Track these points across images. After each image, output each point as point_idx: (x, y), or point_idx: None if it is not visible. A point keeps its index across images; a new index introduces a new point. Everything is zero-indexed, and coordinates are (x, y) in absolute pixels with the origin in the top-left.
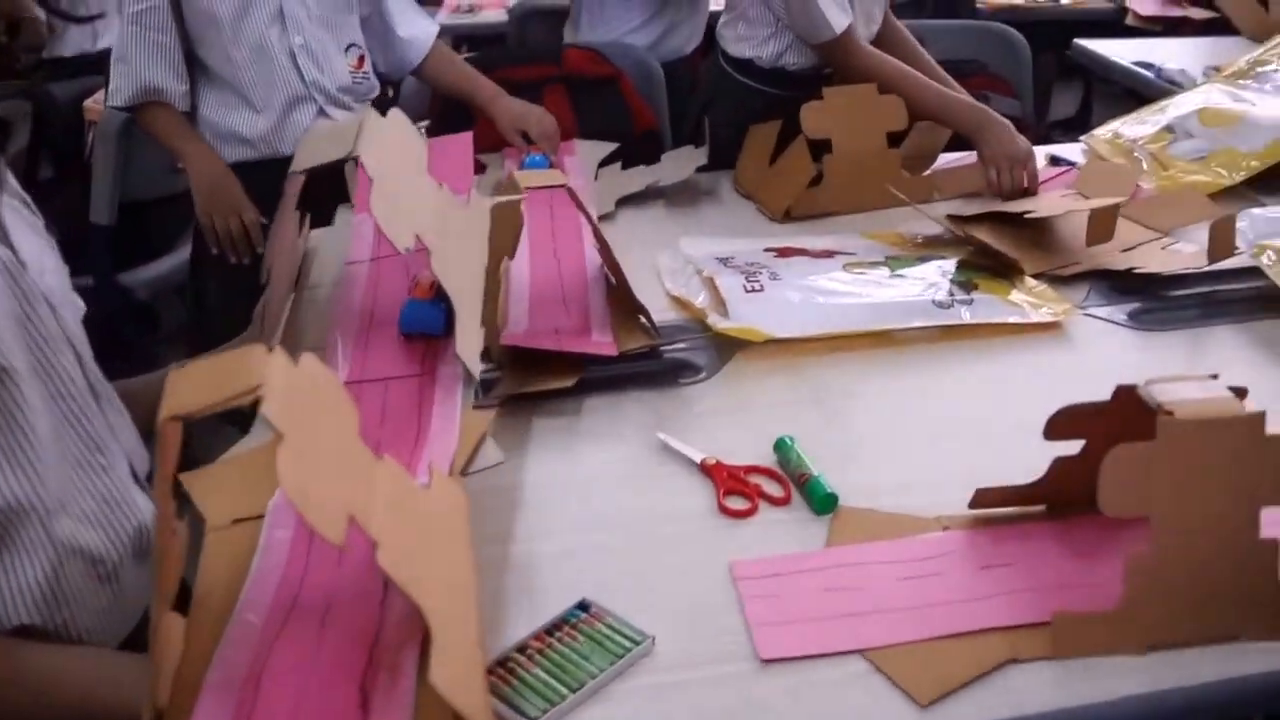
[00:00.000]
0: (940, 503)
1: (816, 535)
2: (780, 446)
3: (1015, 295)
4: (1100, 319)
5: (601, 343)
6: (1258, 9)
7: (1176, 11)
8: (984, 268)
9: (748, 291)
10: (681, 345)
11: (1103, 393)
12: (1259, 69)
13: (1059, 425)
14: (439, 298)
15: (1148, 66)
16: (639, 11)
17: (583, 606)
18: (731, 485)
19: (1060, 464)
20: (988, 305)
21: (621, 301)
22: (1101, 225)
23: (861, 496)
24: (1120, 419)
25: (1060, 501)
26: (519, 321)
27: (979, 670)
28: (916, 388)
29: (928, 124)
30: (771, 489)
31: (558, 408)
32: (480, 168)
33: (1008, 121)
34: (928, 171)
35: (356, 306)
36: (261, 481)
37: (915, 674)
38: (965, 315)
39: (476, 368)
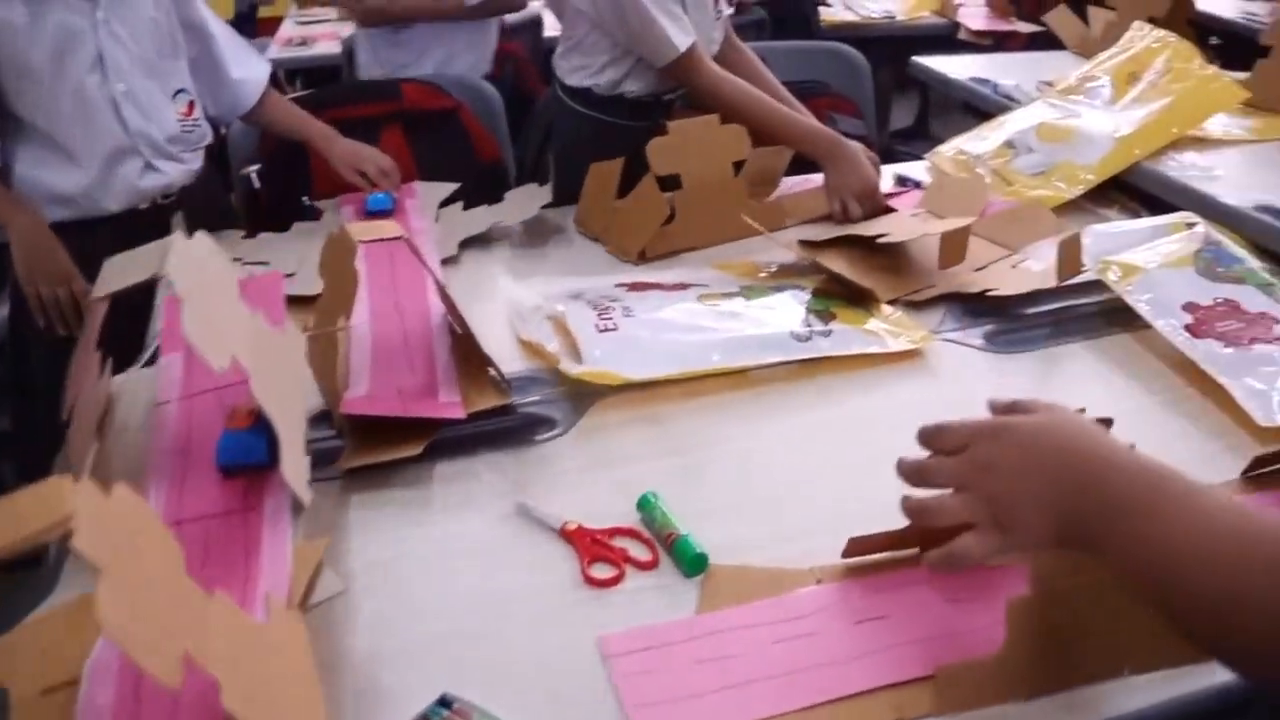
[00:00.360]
0: (814, 550)
1: (688, 599)
2: (644, 505)
3: (873, 324)
4: (957, 343)
5: (448, 404)
6: (1080, 25)
7: (1005, 26)
8: (840, 295)
9: (600, 331)
10: (535, 398)
11: (963, 417)
12: (1088, 84)
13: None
14: (258, 426)
15: (983, 82)
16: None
17: (444, 703)
18: (595, 552)
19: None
20: (846, 336)
21: (469, 354)
22: (953, 248)
23: (733, 552)
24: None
25: (933, 543)
26: (360, 383)
27: None
28: (779, 429)
29: (767, 148)
30: (638, 552)
31: (406, 477)
32: (316, 214)
33: (858, 147)
34: (773, 196)
35: (169, 446)
36: (72, 642)
37: None
38: (824, 347)
39: (306, 494)
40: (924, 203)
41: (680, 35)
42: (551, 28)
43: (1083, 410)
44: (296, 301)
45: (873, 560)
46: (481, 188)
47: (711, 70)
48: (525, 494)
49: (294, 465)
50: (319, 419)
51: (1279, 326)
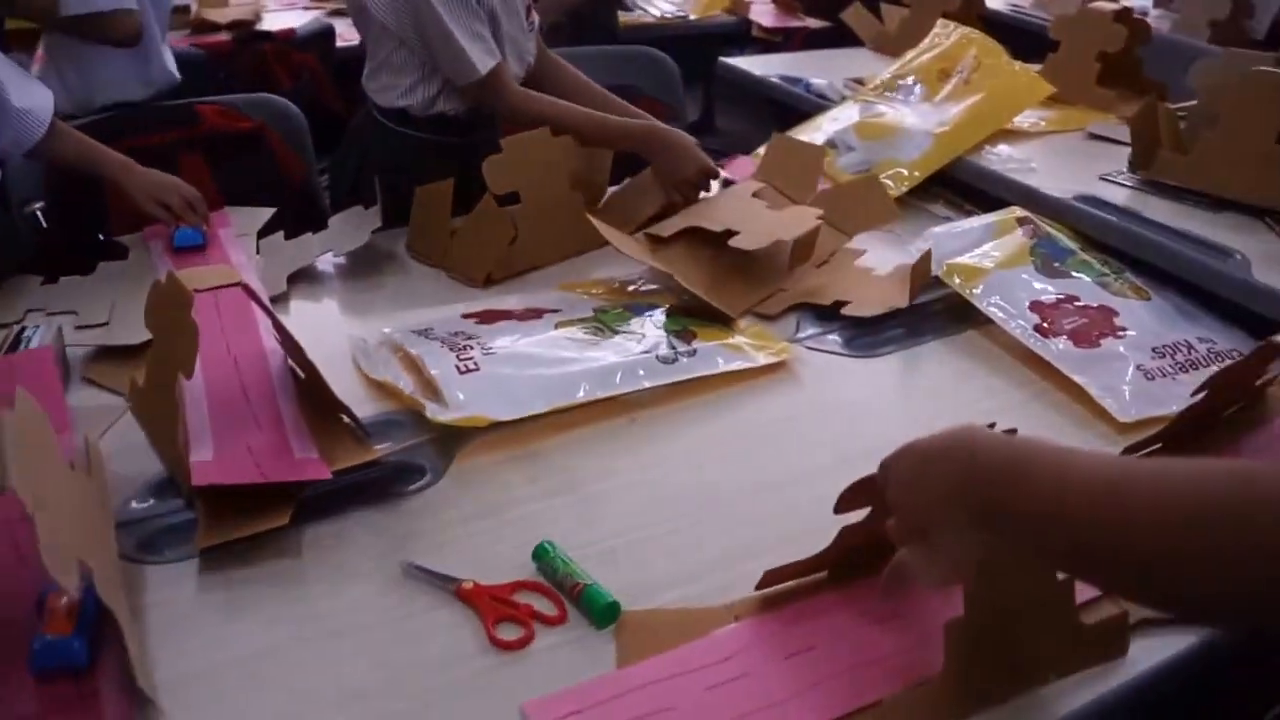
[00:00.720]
0: (725, 583)
1: (604, 652)
2: (541, 555)
3: (735, 338)
4: (817, 349)
5: (308, 462)
6: (875, 22)
7: (795, 22)
8: (694, 311)
9: (462, 373)
10: (397, 444)
11: (839, 425)
12: (900, 82)
13: (847, 501)
14: (80, 628)
15: (795, 81)
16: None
17: None
18: (498, 611)
19: (847, 532)
20: (710, 354)
21: (317, 400)
22: (804, 249)
23: (642, 592)
24: None
25: (845, 566)
26: (202, 446)
27: None
28: (661, 454)
29: (584, 151)
30: (543, 606)
31: (272, 548)
32: (122, 252)
33: (678, 132)
34: (603, 201)
35: None
36: None
37: None
38: (691, 367)
39: (154, 690)
40: (760, 173)
41: (482, 57)
42: (343, 38)
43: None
44: (114, 353)
45: (785, 588)
46: (297, 213)
47: (515, 92)
48: (409, 553)
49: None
50: (162, 487)
51: (1118, 318)
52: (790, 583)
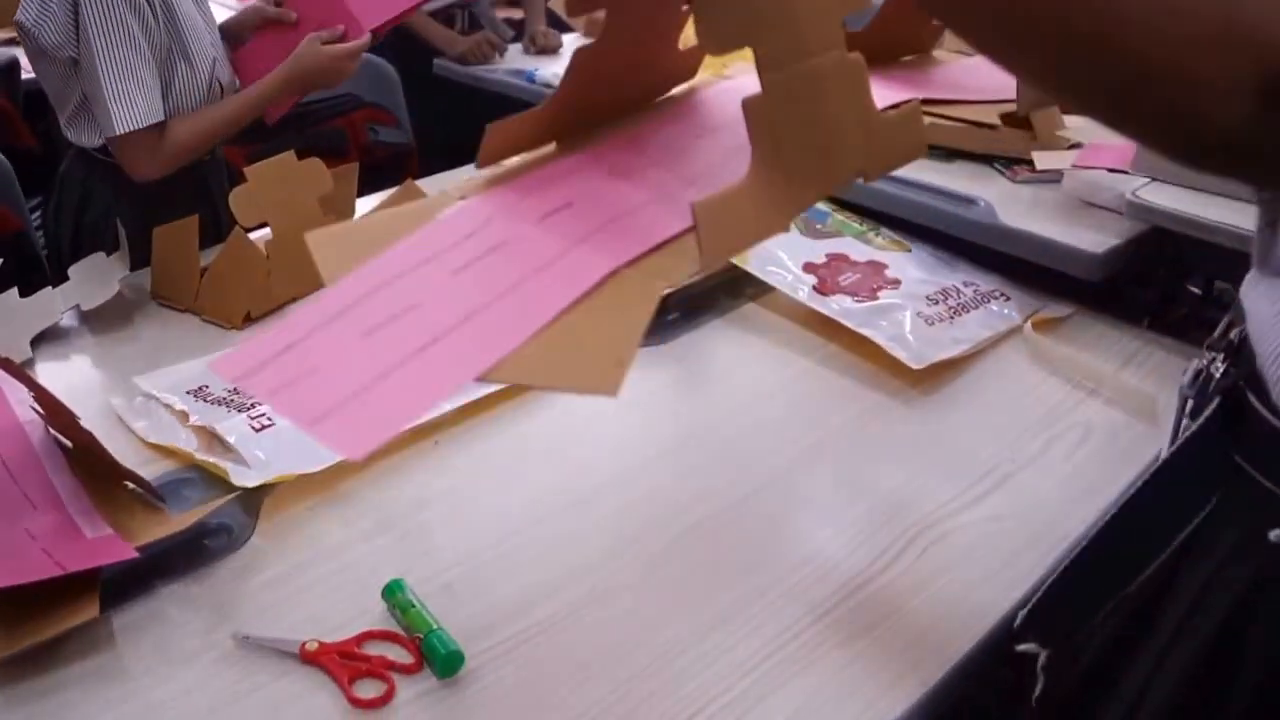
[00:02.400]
0: (570, 606)
1: (476, 693)
2: (390, 593)
3: None
4: None
5: (105, 541)
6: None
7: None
8: None
9: (257, 430)
10: (185, 506)
11: (633, 421)
12: None
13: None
14: None
15: (518, 73)
16: None
17: None
18: (351, 669)
19: (581, 55)
20: None
21: (92, 469)
22: None
23: (493, 625)
24: None
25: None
26: None
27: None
28: (472, 475)
29: (313, 164)
30: (397, 655)
31: (77, 646)
32: None
33: (312, 50)
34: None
35: None
36: None
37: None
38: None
39: None
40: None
41: (131, 115)
42: (28, 69)
43: None
44: None
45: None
46: (17, 266)
47: (161, 154)
48: (237, 622)
49: None
50: None
51: (888, 271)
52: (517, 159)
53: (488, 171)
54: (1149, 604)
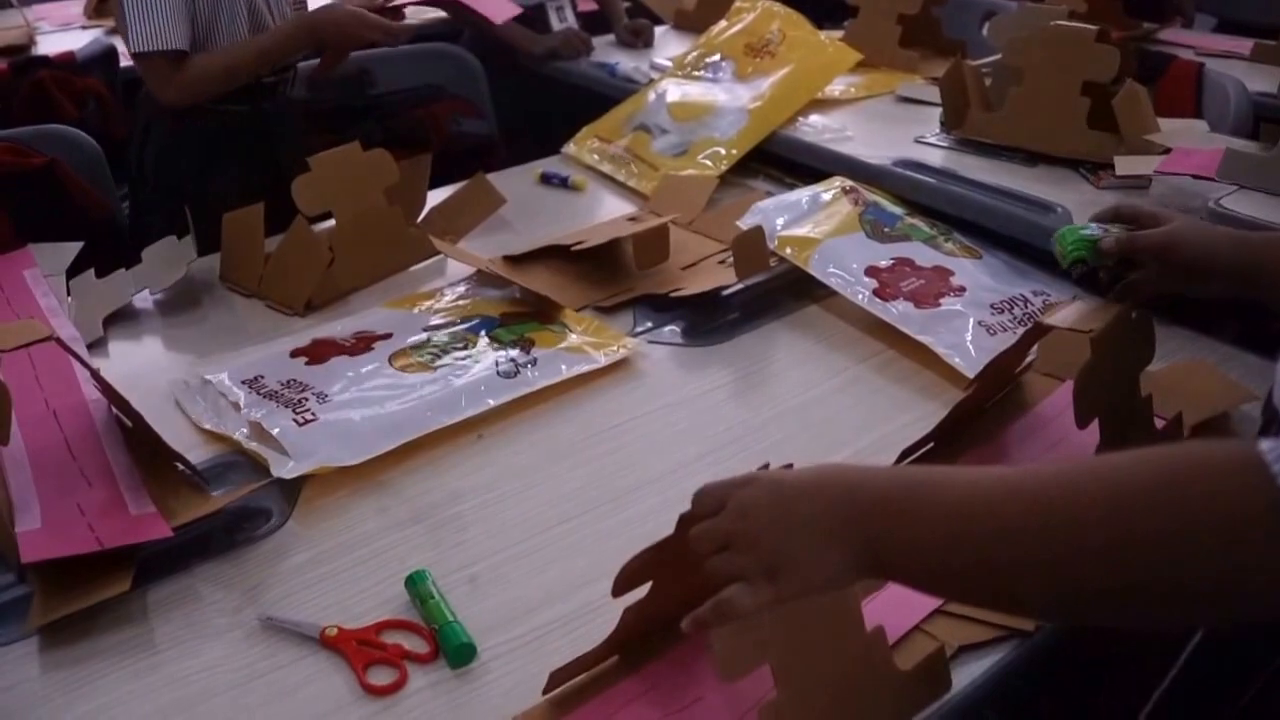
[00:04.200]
0: (590, 604)
1: (482, 688)
2: (414, 582)
3: (571, 339)
4: (656, 342)
5: (147, 519)
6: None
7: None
8: (529, 317)
9: (301, 425)
10: (237, 488)
11: (684, 421)
12: (707, 59)
13: (627, 580)
14: None
15: (601, 66)
16: None
17: None
18: (367, 655)
19: (631, 614)
20: (552, 360)
21: (148, 449)
22: (650, 248)
23: (512, 618)
24: (682, 545)
25: (633, 651)
26: (29, 512)
27: None
28: (513, 472)
29: (399, 165)
30: (413, 645)
31: (113, 617)
32: None
33: (333, 7)
34: (424, 213)
35: None
36: None
37: None
38: (534, 378)
39: None
40: (650, 206)
41: (149, 35)
42: (127, 57)
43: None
44: None
45: (577, 684)
46: (103, 248)
47: (177, 84)
48: (264, 604)
49: None
50: None
51: (954, 278)
52: (581, 676)
53: (550, 697)
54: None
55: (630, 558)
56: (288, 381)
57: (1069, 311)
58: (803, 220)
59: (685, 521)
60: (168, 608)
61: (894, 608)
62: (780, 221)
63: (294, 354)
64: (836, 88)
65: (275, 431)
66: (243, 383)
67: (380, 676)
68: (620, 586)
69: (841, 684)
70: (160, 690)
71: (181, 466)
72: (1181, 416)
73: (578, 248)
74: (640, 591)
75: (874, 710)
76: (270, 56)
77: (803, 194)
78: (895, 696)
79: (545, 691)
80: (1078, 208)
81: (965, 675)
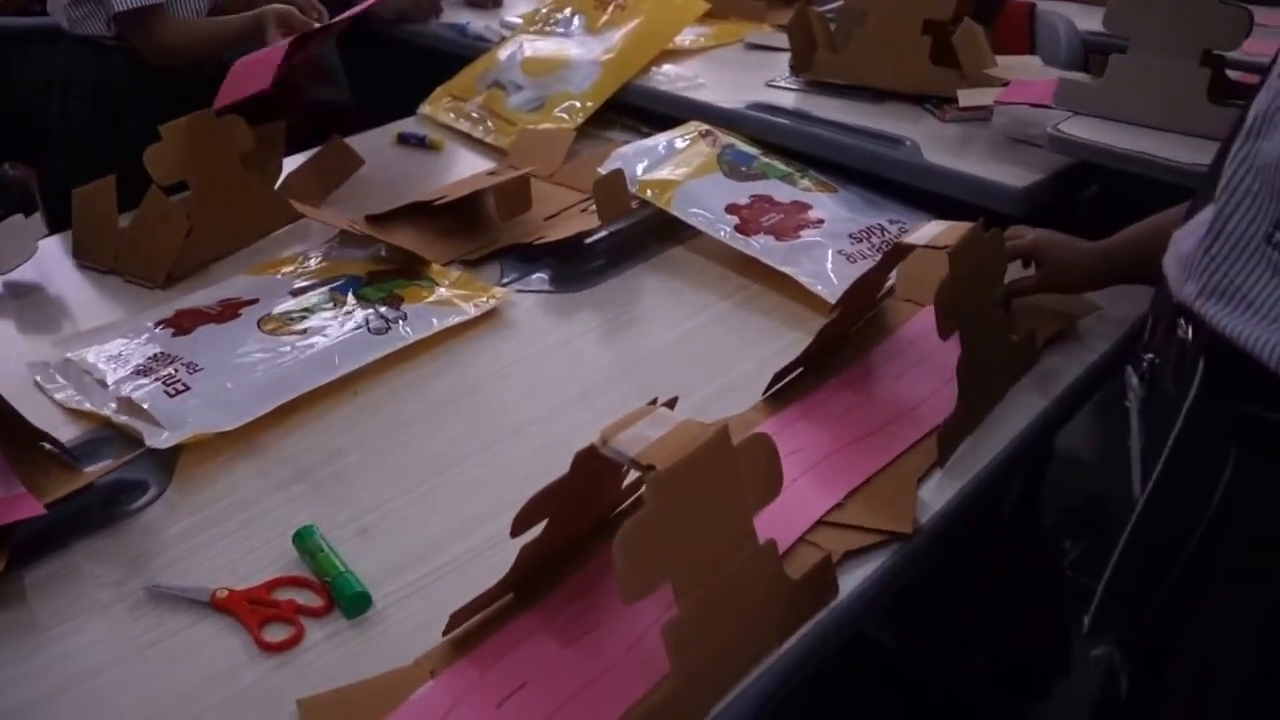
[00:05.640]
0: (479, 548)
1: (379, 637)
2: (302, 538)
3: (439, 293)
4: (525, 291)
5: (17, 499)
6: None
7: None
8: (395, 274)
9: (172, 396)
10: (103, 462)
11: (556, 367)
12: (557, 15)
13: (524, 520)
14: None
15: (452, 27)
16: None
17: None
18: (260, 614)
19: (527, 552)
20: (422, 314)
21: (11, 433)
22: (512, 198)
23: (404, 566)
24: (577, 482)
25: (529, 587)
26: None
27: None
28: (389, 426)
29: (253, 131)
30: (306, 599)
31: None
32: None
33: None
34: (281, 179)
35: None
36: None
37: None
38: (406, 333)
39: None
40: (509, 159)
41: None
42: None
43: (673, 401)
44: None
45: (476, 622)
46: None
47: (156, 43)
48: (150, 574)
49: None
50: None
51: (812, 211)
52: (480, 615)
53: (452, 637)
54: (1195, 575)
55: (531, 496)
56: (155, 355)
57: (925, 230)
58: (662, 164)
59: (580, 459)
60: (48, 587)
61: (780, 520)
62: (640, 167)
63: (159, 325)
64: (686, 38)
65: (146, 405)
66: (107, 358)
67: (276, 633)
68: (519, 525)
69: (738, 598)
70: (48, 670)
71: (49, 445)
72: (1035, 330)
73: (440, 202)
74: (536, 530)
75: (769, 620)
76: (228, 39)
77: (660, 139)
78: (788, 606)
79: (445, 633)
80: (926, 141)
81: (850, 581)
